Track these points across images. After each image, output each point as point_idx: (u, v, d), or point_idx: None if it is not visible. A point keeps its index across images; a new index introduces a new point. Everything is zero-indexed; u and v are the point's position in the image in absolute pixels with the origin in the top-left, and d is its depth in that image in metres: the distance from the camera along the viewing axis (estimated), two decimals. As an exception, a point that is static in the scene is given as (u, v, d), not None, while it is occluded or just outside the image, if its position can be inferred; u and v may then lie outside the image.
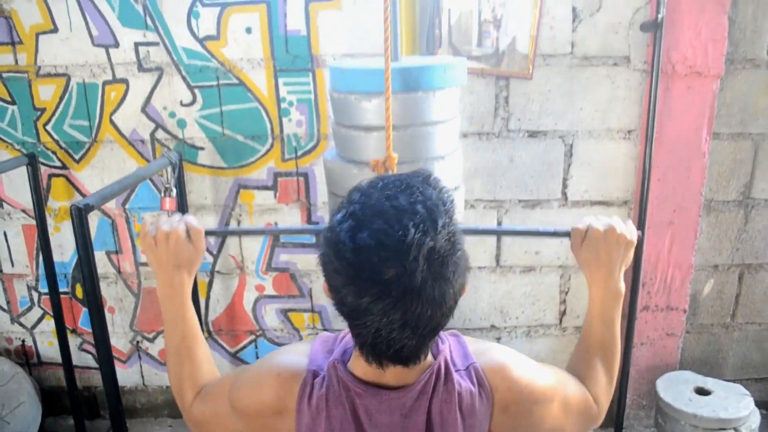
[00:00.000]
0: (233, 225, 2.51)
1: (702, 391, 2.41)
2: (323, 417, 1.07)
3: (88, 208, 1.59)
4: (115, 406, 1.82)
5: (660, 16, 2.11)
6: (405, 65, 1.62)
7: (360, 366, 1.07)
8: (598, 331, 1.30)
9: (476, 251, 2.53)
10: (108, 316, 2.62)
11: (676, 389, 2.41)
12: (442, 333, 1.11)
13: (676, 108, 2.32)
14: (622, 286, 1.27)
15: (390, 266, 0.90)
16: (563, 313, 2.64)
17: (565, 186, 2.46)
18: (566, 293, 2.60)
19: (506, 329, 2.65)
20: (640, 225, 2.33)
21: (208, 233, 1.26)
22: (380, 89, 1.48)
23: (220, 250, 2.55)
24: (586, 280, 1.28)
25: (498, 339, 2.64)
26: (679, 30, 2.24)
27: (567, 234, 1.28)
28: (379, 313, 0.93)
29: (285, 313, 2.63)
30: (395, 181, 0.98)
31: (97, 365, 2.75)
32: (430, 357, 1.09)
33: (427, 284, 0.92)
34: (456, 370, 1.09)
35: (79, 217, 1.58)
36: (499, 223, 2.50)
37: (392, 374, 1.06)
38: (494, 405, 1.11)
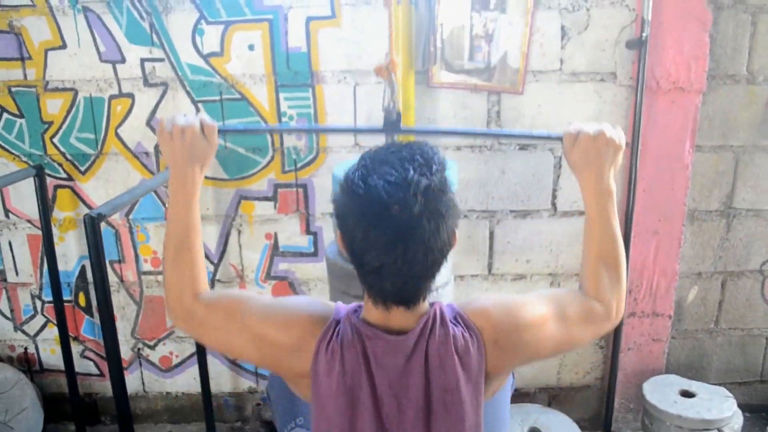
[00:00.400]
0: (234, 234, 2.58)
1: (687, 394, 2.49)
2: (338, 359, 1.22)
3: (101, 217, 1.67)
4: (124, 408, 1.85)
5: (644, 34, 2.21)
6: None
7: (369, 312, 1.25)
8: (597, 231, 1.38)
9: (469, 260, 2.61)
10: (111, 323, 2.68)
11: (662, 392, 2.49)
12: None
13: (661, 122, 2.41)
14: (614, 187, 1.36)
15: (394, 202, 1.10)
16: (553, 320, 2.71)
17: (554, 197, 2.55)
18: (556, 300, 2.68)
19: (498, 335, 2.72)
20: (626, 234, 2.42)
21: (221, 131, 1.34)
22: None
23: (220, 259, 2.62)
24: (579, 184, 1.38)
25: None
26: (663, 47, 2.33)
27: (559, 138, 1.37)
28: (384, 246, 1.13)
29: (284, 320, 2.69)
30: (398, 143, 1.21)
31: (98, 372, 2.81)
32: (426, 305, 1.26)
33: (424, 217, 1.11)
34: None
35: (92, 225, 1.65)
36: (491, 233, 2.59)
37: (396, 318, 1.23)
38: (485, 343, 1.25)
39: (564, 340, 1.32)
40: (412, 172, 1.12)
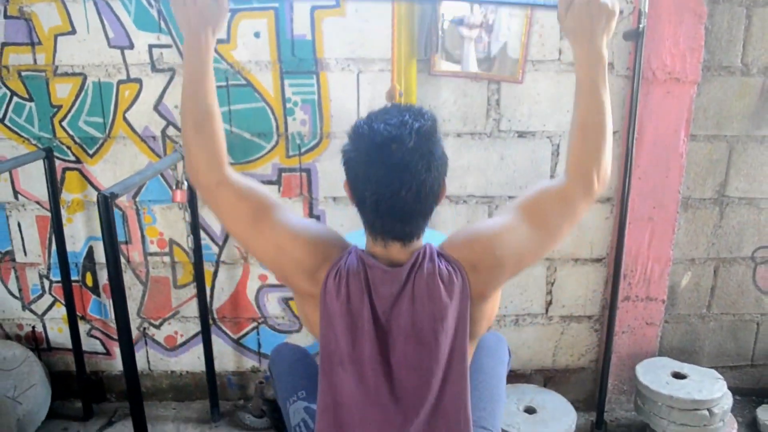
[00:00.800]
0: (239, 217, 2.63)
1: (678, 376, 2.55)
2: (344, 284, 1.38)
3: (114, 196, 1.71)
4: (134, 385, 1.91)
5: (641, 26, 2.25)
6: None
7: (370, 246, 1.44)
8: (585, 97, 1.46)
9: (468, 244, 2.67)
10: (117, 303, 2.74)
11: (655, 373, 2.55)
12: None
13: (656, 111, 2.47)
14: (605, 52, 1.44)
15: (392, 138, 1.30)
16: (549, 303, 2.78)
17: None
18: (552, 284, 2.75)
19: (496, 318, 2.79)
20: (622, 220, 2.47)
21: None
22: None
23: (225, 241, 2.68)
24: (572, 49, 1.47)
25: (488, 328, 2.78)
26: (659, 39, 2.38)
27: (554, 7, 1.46)
28: (382, 180, 1.33)
29: (286, 301, 2.77)
30: (398, 104, 1.51)
31: (104, 351, 2.87)
32: (420, 243, 1.43)
33: (417, 153, 1.31)
34: None
35: (105, 204, 1.70)
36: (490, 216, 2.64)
37: (393, 252, 1.42)
38: (465, 270, 1.40)
39: (544, 237, 1.45)
40: (407, 116, 1.34)
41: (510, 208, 1.48)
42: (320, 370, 1.46)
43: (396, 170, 1.31)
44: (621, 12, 1.46)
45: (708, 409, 2.41)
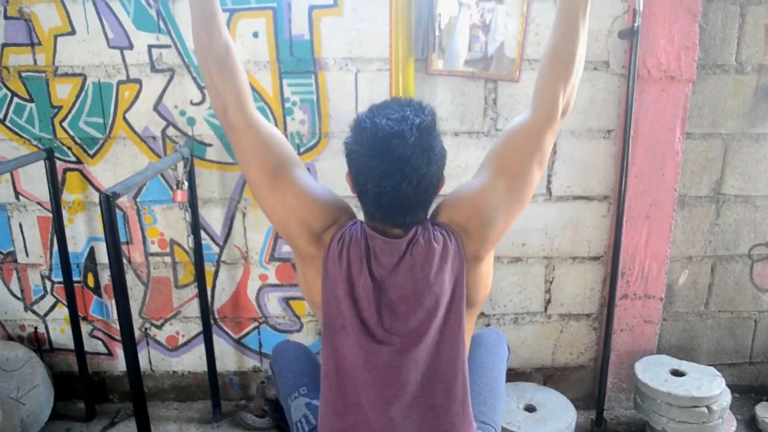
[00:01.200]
0: (239, 217, 2.66)
1: (677, 373, 2.56)
2: (345, 251, 1.45)
3: (116, 196, 1.72)
4: (138, 385, 1.94)
5: (636, 24, 2.27)
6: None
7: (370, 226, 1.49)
8: (565, 22, 1.55)
9: (467, 243, 2.68)
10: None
11: (653, 371, 2.57)
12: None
13: (652, 109, 2.49)
14: None
15: (394, 133, 1.35)
16: (548, 302, 2.80)
17: (549, 182, 2.62)
18: (551, 282, 2.77)
19: (495, 316, 2.81)
20: (619, 219, 2.48)
21: None
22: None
23: (225, 241, 2.69)
24: None
25: (487, 325, 2.80)
26: (654, 37, 2.40)
27: None
28: (384, 173, 1.37)
29: (287, 301, 2.78)
30: (399, 97, 1.50)
31: (106, 351, 2.89)
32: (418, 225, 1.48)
33: (417, 148, 1.37)
34: None
35: (107, 203, 1.71)
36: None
37: (392, 233, 1.48)
38: (459, 235, 1.48)
39: (521, 186, 1.53)
40: (408, 111, 1.39)
41: (485, 164, 1.57)
42: (323, 336, 1.52)
43: (397, 164, 1.37)
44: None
45: (707, 407, 2.42)
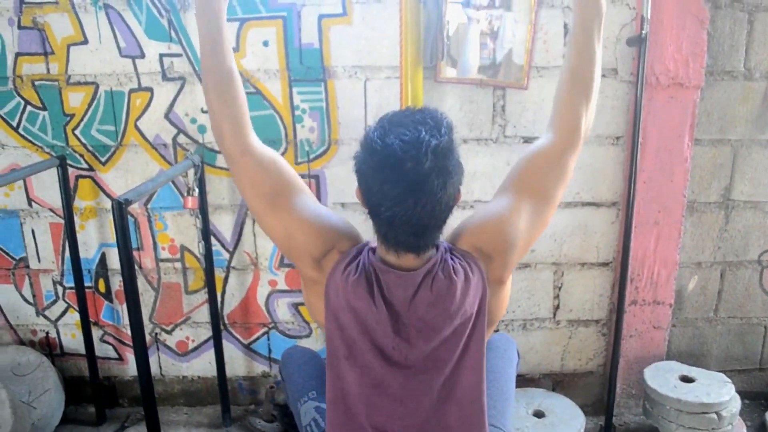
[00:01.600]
0: (248, 224, 2.67)
1: (686, 379, 2.56)
2: (351, 283, 1.38)
3: (128, 202, 1.75)
4: (149, 389, 1.95)
5: (644, 31, 2.28)
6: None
7: (382, 253, 1.42)
8: (580, 44, 1.49)
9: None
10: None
11: (663, 377, 2.56)
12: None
13: (660, 116, 2.49)
14: (604, 3, 1.49)
15: (408, 158, 1.24)
16: (557, 308, 2.80)
17: (558, 188, 2.62)
18: (559, 288, 2.77)
19: (503, 322, 2.81)
20: (628, 225, 2.49)
21: None
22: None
23: (235, 247, 2.71)
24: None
25: (496, 331, 2.80)
26: (662, 44, 2.41)
27: None
28: (396, 198, 1.27)
29: (296, 306, 2.79)
30: (412, 108, 1.38)
31: (117, 356, 2.91)
32: (434, 250, 1.42)
33: (433, 173, 1.26)
34: None
35: (120, 210, 1.73)
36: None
37: (406, 261, 1.40)
38: (481, 261, 1.42)
39: (544, 207, 1.48)
40: (423, 132, 1.26)
41: (507, 187, 1.51)
42: (327, 363, 1.49)
43: (411, 191, 1.27)
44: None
45: (716, 413, 2.41)
